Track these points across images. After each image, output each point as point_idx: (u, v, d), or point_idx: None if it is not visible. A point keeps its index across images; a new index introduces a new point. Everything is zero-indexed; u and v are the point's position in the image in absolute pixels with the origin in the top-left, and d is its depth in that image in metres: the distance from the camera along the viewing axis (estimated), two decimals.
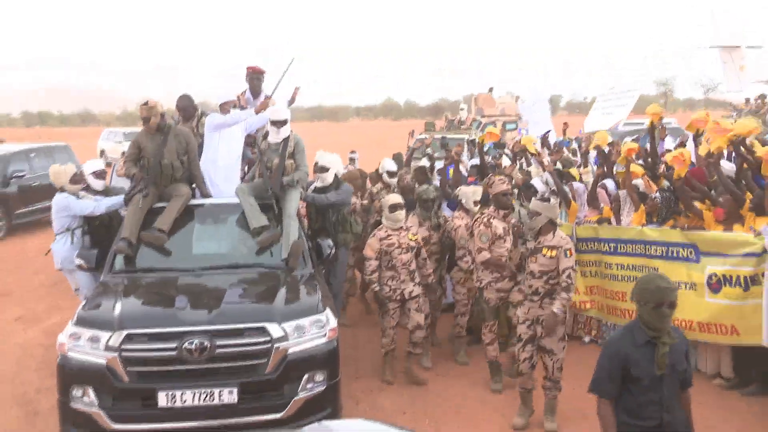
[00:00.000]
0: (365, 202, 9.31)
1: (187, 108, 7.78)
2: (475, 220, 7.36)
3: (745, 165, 7.30)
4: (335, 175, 8.19)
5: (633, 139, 11.88)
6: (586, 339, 8.49)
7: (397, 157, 11.53)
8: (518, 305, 6.48)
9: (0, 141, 23.84)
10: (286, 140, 7.23)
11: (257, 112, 7.57)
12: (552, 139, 13.11)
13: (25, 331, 9.38)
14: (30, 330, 9.39)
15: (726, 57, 38.06)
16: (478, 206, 7.85)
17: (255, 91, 8.36)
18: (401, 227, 7.36)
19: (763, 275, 6.34)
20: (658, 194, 7.77)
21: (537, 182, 9.04)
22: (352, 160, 13.72)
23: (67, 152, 17.95)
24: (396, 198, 7.47)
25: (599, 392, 4.20)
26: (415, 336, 7.33)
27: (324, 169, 8.11)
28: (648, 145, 9.26)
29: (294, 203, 7.07)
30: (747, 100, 26.55)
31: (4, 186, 16.00)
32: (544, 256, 6.19)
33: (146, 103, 6.97)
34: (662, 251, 7.28)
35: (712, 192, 7.46)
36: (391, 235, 7.29)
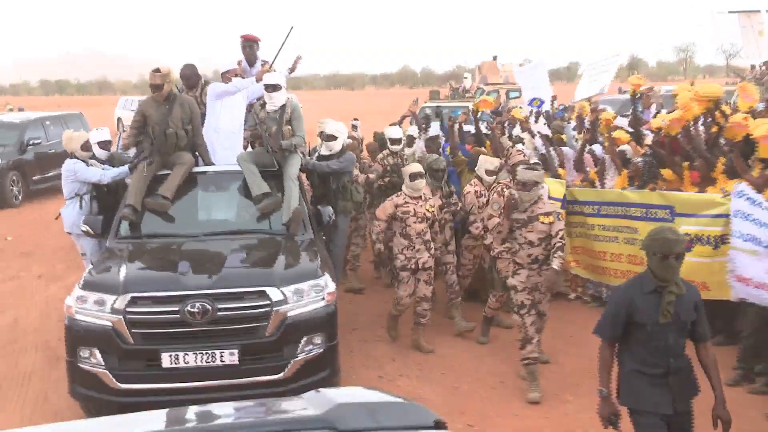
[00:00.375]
0: (371, 175, 9.34)
1: (191, 76, 7.85)
2: (490, 189, 7.58)
3: (715, 129, 7.54)
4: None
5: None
6: (572, 296, 8.89)
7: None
8: (515, 274, 6.56)
9: (19, 109, 24.21)
10: (283, 107, 7.29)
11: (257, 80, 7.64)
12: (546, 107, 13.20)
13: (47, 287, 9.87)
14: (52, 286, 9.86)
15: (745, 22, 37.31)
16: (493, 176, 7.86)
17: (250, 59, 8.37)
18: (420, 196, 7.40)
19: (730, 234, 6.58)
20: (640, 159, 8.07)
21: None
22: (354, 128, 13.73)
23: (81, 120, 18.25)
24: (417, 167, 7.51)
25: (601, 334, 4.36)
26: (420, 307, 7.44)
27: (332, 137, 8.16)
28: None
29: (294, 168, 7.17)
30: (752, 67, 26.25)
31: (21, 153, 16.35)
32: (542, 223, 6.35)
33: (158, 70, 7.02)
34: (641, 212, 7.55)
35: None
36: (408, 202, 7.34)
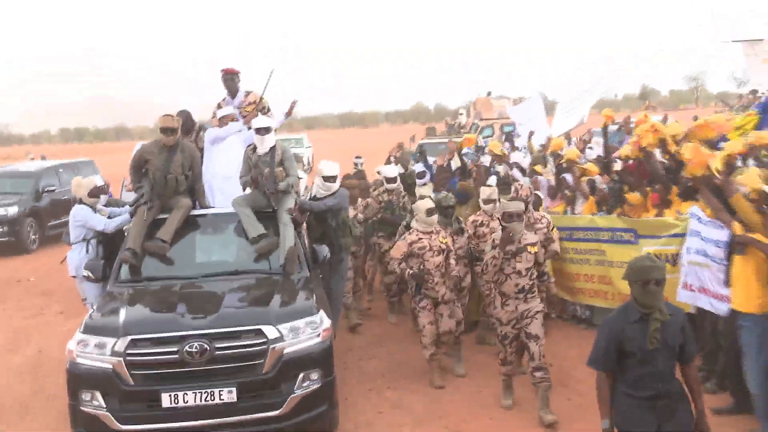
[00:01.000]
0: (362, 209, 9.58)
1: (186, 122, 8.02)
2: (492, 218, 7.90)
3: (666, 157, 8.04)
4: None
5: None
6: (553, 315, 9.10)
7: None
8: (503, 305, 6.62)
9: (42, 158, 24.84)
10: (273, 149, 7.42)
11: (239, 109, 7.85)
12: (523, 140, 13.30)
13: (67, 321, 10.27)
14: (72, 321, 10.04)
15: (748, 50, 37.41)
16: (490, 204, 8.05)
17: (232, 92, 8.46)
18: (432, 230, 7.47)
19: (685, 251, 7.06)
20: (606, 186, 8.71)
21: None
22: (356, 165, 13.92)
23: (92, 167, 18.71)
24: (430, 202, 7.57)
25: (595, 366, 4.46)
26: (443, 338, 7.47)
27: (332, 178, 8.26)
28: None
29: (288, 207, 7.29)
30: (740, 96, 26.46)
31: (37, 200, 16.87)
32: (529, 253, 6.51)
33: (170, 115, 7.24)
34: (609, 236, 8.24)
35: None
36: (422, 238, 7.40)
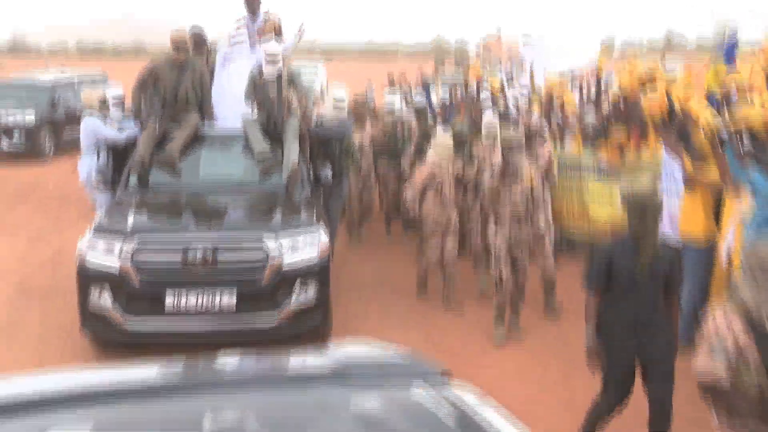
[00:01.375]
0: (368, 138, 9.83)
1: (199, 39, 8.12)
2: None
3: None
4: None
5: None
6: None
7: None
8: (498, 229, 6.82)
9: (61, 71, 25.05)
10: (280, 77, 7.52)
11: (259, 34, 7.92)
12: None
13: (82, 223, 10.40)
14: (84, 221, 10.42)
15: None
16: (491, 138, 8.17)
17: (253, 10, 8.42)
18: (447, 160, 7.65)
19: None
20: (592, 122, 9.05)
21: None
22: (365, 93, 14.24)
23: (105, 79, 18.91)
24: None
25: (588, 286, 4.66)
26: (447, 271, 7.66)
27: (343, 102, 8.45)
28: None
29: (293, 128, 7.48)
30: None
31: (52, 111, 17.23)
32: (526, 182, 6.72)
33: (182, 30, 7.43)
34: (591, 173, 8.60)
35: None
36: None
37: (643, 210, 4.42)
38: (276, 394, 2.40)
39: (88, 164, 7.97)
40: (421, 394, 2.38)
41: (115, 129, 7.99)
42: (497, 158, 7.08)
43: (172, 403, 2.31)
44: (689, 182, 6.18)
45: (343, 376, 2.43)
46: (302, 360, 2.76)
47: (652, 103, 6.83)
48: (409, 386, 2.42)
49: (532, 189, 6.78)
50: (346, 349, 2.76)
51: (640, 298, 4.50)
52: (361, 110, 9.94)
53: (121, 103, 8.44)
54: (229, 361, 2.74)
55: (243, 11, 8.39)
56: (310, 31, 8.66)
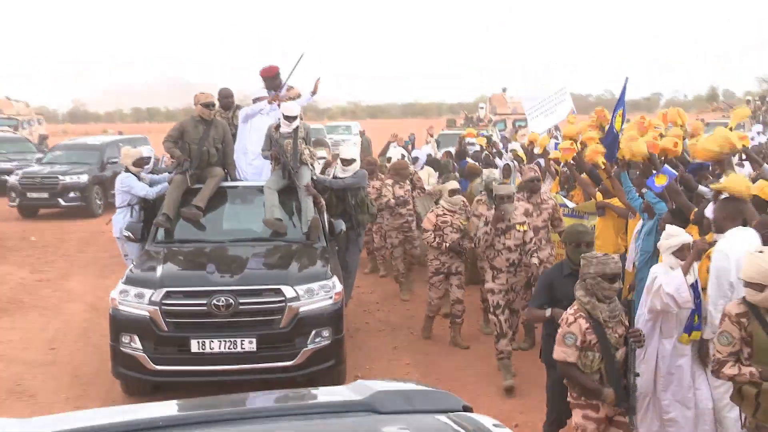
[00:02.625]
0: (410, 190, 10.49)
1: (226, 99, 8.69)
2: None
3: None
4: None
5: None
6: None
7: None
8: (494, 278, 7.12)
9: (119, 133, 27.06)
10: (296, 130, 7.95)
11: (278, 102, 8.41)
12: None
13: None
14: None
15: None
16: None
17: (275, 88, 8.79)
18: (455, 210, 8.18)
19: None
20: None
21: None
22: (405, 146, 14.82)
23: (145, 142, 20.06)
24: (455, 184, 8.42)
25: (531, 303, 5.52)
26: (455, 308, 8.16)
27: (349, 161, 8.75)
28: None
29: (305, 180, 7.85)
30: (747, 102, 26.17)
31: (101, 170, 18.46)
32: (518, 231, 7.04)
33: (209, 93, 8.04)
34: (569, 212, 8.91)
35: None
36: (446, 214, 8.12)
37: (579, 242, 5.19)
38: (310, 424, 2.52)
39: (121, 219, 8.47)
40: (445, 422, 2.53)
41: (146, 185, 8.51)
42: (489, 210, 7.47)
43: None
44: (600, 209, 7.78)
45: (374, 407, 2.58)
46: (338, 392, 2.94)
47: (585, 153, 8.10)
48: (433, 417, 2.57)
49: (524, 235, 7.05)
50: (379, 386, 2.84)
51: None
52: (372, 167, 10.52)
53: (153, 161, 9.02)
54: (262, 395, 2.94)
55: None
56: (357, 92, 9.21)
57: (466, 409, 2.72)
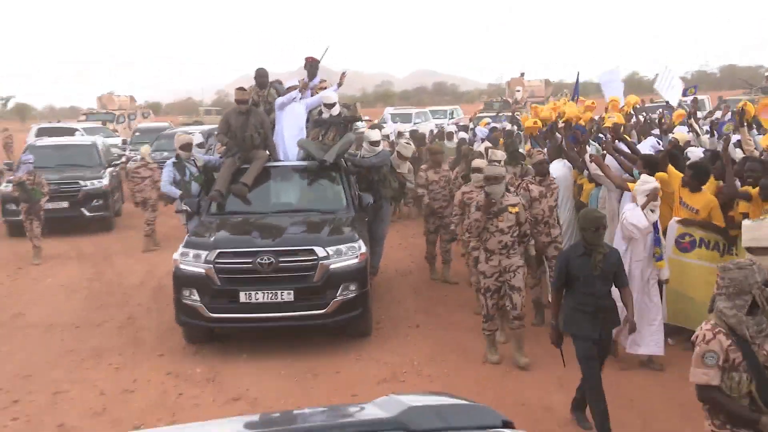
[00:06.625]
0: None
1: (262, 78, 9.75)
2: (518, 186, 8.17)
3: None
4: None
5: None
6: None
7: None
8: (488, 260, 7.22)
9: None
10: (338, 116, 9.12)
11: (314, 92, 9.59)
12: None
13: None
14: None
15: None
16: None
17: (312, 75, 9.86)
18: (480, 187, 8.44)
19: None
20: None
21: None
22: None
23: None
24: (480, 162, 8.96)
25: (552, 284, 6.09)
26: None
27: (377, 143, 9.82)
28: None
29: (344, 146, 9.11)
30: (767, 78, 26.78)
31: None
32: (510, 213, 7.11)
33: (243, 89, 9.13)
34: None
35: None
36: (473, 191, 8.80)
37: (597, 226, 5.70)
38: None
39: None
40: None
41: (169, 177, 9.45)
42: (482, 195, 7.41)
43: None
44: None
45: (406, 425, 2.45)
46: (368, 409, 2.76)
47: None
48: None
49: (518, 216, 7.14)
50: (412, 401, 2.71)
51: (595, 292, 5.72)
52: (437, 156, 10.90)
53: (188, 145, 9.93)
54: (299, 414, 2.86)
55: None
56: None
57: (506, 424, 2.53)
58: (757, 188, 6.73)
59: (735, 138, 8.94)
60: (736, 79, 44.80)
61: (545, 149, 9.43)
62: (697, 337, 3.81)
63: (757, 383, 3.67)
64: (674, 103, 13.65)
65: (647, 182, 6.77)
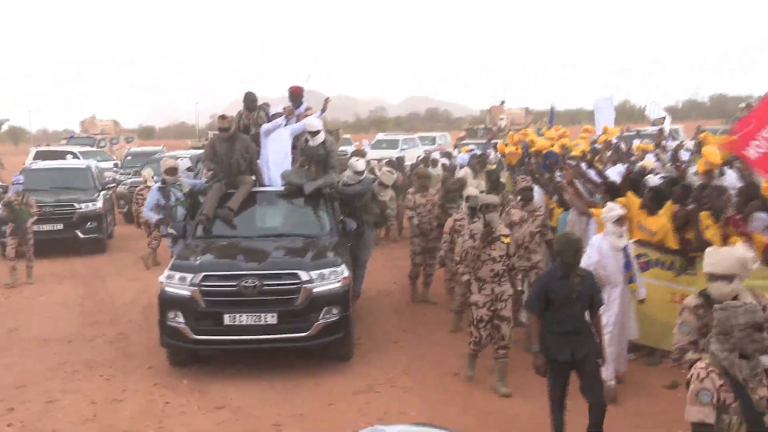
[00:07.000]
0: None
1: (250, 102, 9.96)
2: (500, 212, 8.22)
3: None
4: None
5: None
6: None
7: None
8: (480, 290, 7.27)
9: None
10: (323, 143, 9.28)
11: (298, 119, 9.76)
12: None
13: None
14: None
15: None
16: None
17: (296, 105, 10.12)
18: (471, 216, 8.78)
19: None
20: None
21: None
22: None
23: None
24: (472, 190, 9.45)
25: (529, 308, 6.12)
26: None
27: (360, 173, 9.99)
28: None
29: (328, 177, 9.26)
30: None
31: None
32: (503, 242, 7.25)
33: (224, 117, 9.32)
34: None
35: None
36: (464, 218, 9.01)
37: (577, 249, 5.86)
38: None
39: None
40: None
41: (153, 202, 10.01)
42: (476, 224, 7.52)
43: None
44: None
45: None
46: None
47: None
48: None
49: (509, 247, 7.24)
50: (394, 429, 2.74)
51: (571, 315, 5.83)
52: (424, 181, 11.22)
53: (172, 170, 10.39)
54: None
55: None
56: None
57: None
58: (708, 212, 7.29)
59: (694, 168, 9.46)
60: (726, 108, 45.33)
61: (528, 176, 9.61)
62: (691, 376, 3.84)
63: (749, 427, 3.67)
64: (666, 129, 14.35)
65: (613, 209, 6.96)
